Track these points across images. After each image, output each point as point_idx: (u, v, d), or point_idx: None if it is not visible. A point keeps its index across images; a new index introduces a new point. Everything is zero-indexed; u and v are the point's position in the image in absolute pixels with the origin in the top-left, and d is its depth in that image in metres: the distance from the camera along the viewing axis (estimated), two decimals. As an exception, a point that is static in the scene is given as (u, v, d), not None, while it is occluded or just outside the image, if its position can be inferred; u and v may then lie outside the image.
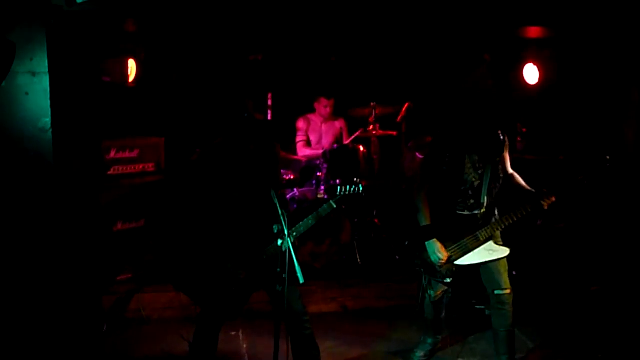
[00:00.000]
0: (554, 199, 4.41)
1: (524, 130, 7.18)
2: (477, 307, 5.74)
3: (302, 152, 7.41)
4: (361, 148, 7.06)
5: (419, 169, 4.93)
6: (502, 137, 4.62)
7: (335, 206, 4.44)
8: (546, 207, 4.42)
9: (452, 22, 6.99)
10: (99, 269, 5.85)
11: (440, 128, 4.89)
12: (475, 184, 4.57)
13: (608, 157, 4.36)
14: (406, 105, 7.46)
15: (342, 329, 5.71)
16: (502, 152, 4.64)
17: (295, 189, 6.88)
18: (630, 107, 6.61)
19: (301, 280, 3.98)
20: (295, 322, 4.43)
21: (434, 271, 4.63)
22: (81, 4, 4.58)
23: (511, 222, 4.51)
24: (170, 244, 6.50)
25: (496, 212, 4.66)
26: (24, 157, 4.58)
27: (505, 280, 4.57)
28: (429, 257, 4.58)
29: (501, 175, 4.62)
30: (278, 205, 4.09)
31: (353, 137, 7.31)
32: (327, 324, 5.67)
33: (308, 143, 7.47)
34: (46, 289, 4.78)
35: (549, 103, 7.13)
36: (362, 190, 4.48)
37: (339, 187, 4.49)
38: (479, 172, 4.56)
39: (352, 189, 4.47)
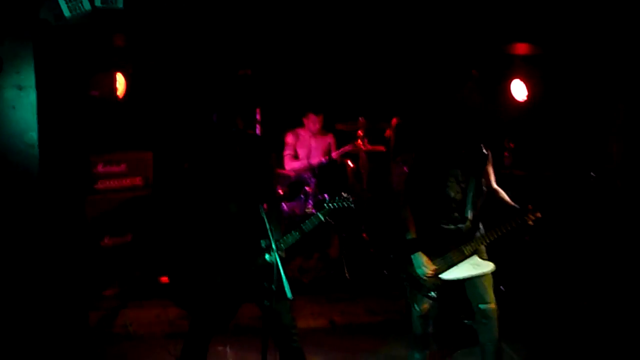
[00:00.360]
0: (539, 214, 4.42)
1: (511, 145, 7.22)
2: (465, 322, 5.73)
3: (289, 165, 7.40)
4: (349, 163, 7.07)
5: (403, 183, 4.94)
6: (484, 151, 4.65)
7: (323, 219, 4.44)
8: (531, 223, 4.43)
9: (440, 39, 7.04)
10: (85, 283, 5.82)
11: (423, 142, 4.91)
12: (458, 197, 4.59)
13: (593, 174, 4.39)
14: (394, 120, 7.49)
15: (330, 344, 5.68)
16: (485, 165, 4.66)
17: (283, 204, 6.87)
18: (616, 122, 6.67)
19: (289, 296, 3.96)
20: (283, 335, 4.41)
21: (419, 285, 4.63)
22: (69, 18, 4.59)
23: (496, 237, 4.52)
24: (158, 258, 6.48)
25: (481, 227, 4.67)
26: (10, 171, 4.57)
27: (490, 294, 4.57)
28: (414, 271, 4.58)
29: (484, 189, 4.64)
30: (266, 219, 4.08)
31: (341, 151, 7.32)
32: (315, 339, 5.65)
33: (296, 157, 7.47)
34: (32, 303, 4.75)
35: (536, 119, 7.18)
36: (352, 203, 4.47)
37: (327, 200, 4.49)
38: (462, 185, 4.59)
39: (340, 203, 4.47)
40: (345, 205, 4.47)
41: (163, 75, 7.28)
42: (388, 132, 7.46)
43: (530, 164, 7.14)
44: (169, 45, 6.76)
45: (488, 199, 4.68)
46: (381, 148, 7.50)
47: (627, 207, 6.36)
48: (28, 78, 4.52)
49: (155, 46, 6.77)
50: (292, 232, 4.39)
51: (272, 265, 3.98)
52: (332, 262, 6.66)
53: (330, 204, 4.46)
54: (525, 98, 6.93)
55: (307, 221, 4.40)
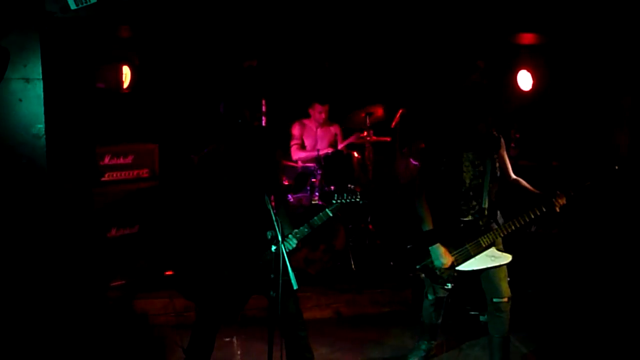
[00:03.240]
0: (565, 200, 4.38)
1: (517, 136, 7.20)
2: (472, 313, 5.74)
3: (296, 154, 7.41)
4: (355, 154, 7.07)
5: (417, 174, 4.90)
6: (496, 135, 4.63)
7: (331, 215, 4.44)
8: (558, 209, 4.39)
9: (446, 29, 7.01)
10: (93, 275, 5.84)
11: (434, 129, 4.87)
12: (475, 183, 4.54)
13: (616, 164, 4.34)
14: (400, 111, 7.48)
15: (336, 335, 5.71)
16: (499, 149, 4.63)
17: (289, 195, 6.88)
18: (622, 113, 6.64)
19: (295, 286, 3.98)
20: (289, 324, 4.43)
21: (435, 276, 4.60)
22: (75, 10, 4.59)
23: (514, 228, 4.45)
24: (165, 249, 6.50)
25: (499, 217, 4.64)
26: (17, 163, 4.57)
27: (505, 288, 4.55)
28: (432, 262, 4.56)
29: (498, 175, 4.61)
30: (272, 210, 4.10)
31: (347, 142, 7.33)
32: (321, 330, 5.68)
33: (302, 147, 7.48)
34: (39, 295, 4.77)
35: (542, 109, 7.16)
36: (360, 199, 4.46)
37: (335, 196, 4.48)
38: (479, 169, 4.55)
39: (349, 199, 4.46)
40: (354, 200, 4.47)
41: (169, 67, 7.28)
42: (394, 123, 7.46)
43: (536, 154, 7.12)
44: (174, 36, 6.76)
45: (510, 190, 4.64)
46: (387, 139, 7.50)
47: (634, 198, 6.34)
48: (35, 70, 4.52)
49: (161, 38, 6.77)
50: (301, 227, 4.40)
51: (278, 257, 4.00)
52: (338, 253, 6.67)
53: (338, 200, 4.46)
54: (531, 88, 6.91)
55: (315, 217, 4.41)
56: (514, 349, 5.22)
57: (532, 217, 4.44)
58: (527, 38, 6.92)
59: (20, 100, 4.54)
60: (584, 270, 6.41)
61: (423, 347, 5.07)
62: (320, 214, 4.41)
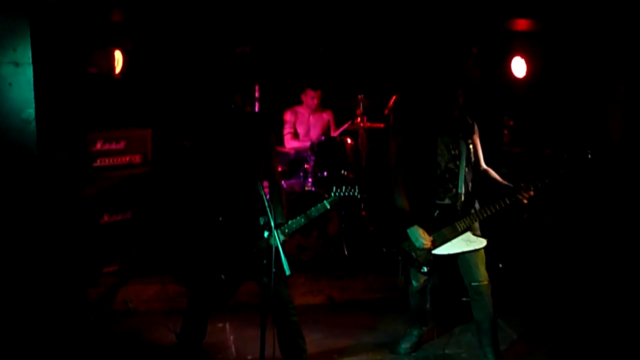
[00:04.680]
0: (532, 193, 4.41)
1: (511, 123, 7.21)
2: (463, 299, 5.76)
3: (290, 144, 7.40)
4: (349, 140, 7.06)
5: (393, 157, 4.95)
6: (470, 122, 4.65)
7: (329, 207, 4.43)
8: (525, 202, 4.43)
9: (440, 15, 6.99)
10: (85, 261, 5.83)
11: (411, 114, 4.89)
12: (450, 166, 4.58)
13: (589, 152, 4.37)
14: (394, 97, 7.46)
15: (328, 320, 5.72)
16: (472, 134, 4.66)
17: (282, 182, 6.87)
18: (616, 100, 6.65)
19: (287, 272, 3.98)
20: (281, 311, 4.44)
21: (412, 260, 4.65)
22: (65, -6, 4.54)
23: (489, 213, 4.51)
24: (158, 235, 6.49)
25: (476, 204, 4.67)
26: (7, 148, 4.54)
27: (482, 271, 4.58)
28: (408, 245, 4.59)
29: (473, 160, 4.64)
30: (264, 196, 4.08)
31: (341, 129, 7.30)
32: (314, 316, 5.69)
33: (295, 135, 7.47)
34: (31, 281, 4.76)
35: (536, 96, 7.15)
36: (359, 193, 4.45)
37: (334, 188, 4.45)
38: (453, 153, 4.58)
39: (348, 192, 4.44)
40: (352, 194, 4.45)
41: (161, 52, 7.23)
42: (387, 110, 7.44)
43: (529, 141, 7.13)
44: (167, 21, 6.72)
45: (479, 179, 4.68)
46: (380, 125, 7.48)
47: (626, 184, 6.36)
48: (25, 54, 4.47)
49: (154, 22, 6.72)
50: (298, 217, 4.39)
51: (271, 243, 4.00)
52: (331, 239, 6.67)
53: (337, 192, 4.44)
54: (525, 75, 6.90)
55: (313, 208, 4.40)
56: (505, 334, 5.25)
57: (502, 206, 4.46)
58: (522, 24, 6.91)
59: (10, 84, 4.50)
60: (576, 256, 6.44)
61: (415, 332, 5.10)
62: (318, 205, 4.40)
